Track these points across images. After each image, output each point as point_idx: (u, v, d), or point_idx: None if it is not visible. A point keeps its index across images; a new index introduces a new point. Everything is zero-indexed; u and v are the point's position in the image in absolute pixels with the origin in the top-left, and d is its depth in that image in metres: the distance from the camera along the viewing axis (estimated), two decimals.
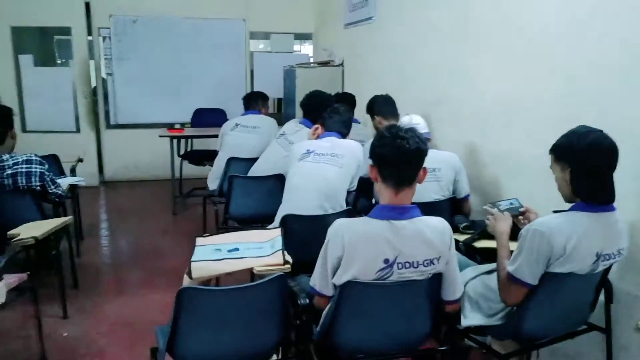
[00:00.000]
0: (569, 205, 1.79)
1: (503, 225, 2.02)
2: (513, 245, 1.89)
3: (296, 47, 6.67)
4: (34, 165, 2.93)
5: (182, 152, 5.56)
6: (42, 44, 6.17)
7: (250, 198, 3.36)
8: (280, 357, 2.01)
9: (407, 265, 1.67)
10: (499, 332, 1.92)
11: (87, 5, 5.87)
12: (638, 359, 2.07)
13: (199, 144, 5.80)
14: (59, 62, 6.23)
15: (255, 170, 3.51)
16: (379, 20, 4.50)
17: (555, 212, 1.80)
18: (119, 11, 5.96)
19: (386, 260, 1.66)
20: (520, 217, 2.12)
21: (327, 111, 3.04)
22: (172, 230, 4.73)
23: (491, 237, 2.28)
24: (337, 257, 1.70)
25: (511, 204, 2.16)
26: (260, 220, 3.28)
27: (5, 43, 5.74)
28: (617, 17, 2.11)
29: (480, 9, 3.03)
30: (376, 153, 1.75)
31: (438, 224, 1.72)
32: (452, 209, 2.70)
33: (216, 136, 4.75)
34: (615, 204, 1.75)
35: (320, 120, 3.02)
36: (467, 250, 2.37)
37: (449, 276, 1.77)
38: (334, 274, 1.72)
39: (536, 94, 2.56)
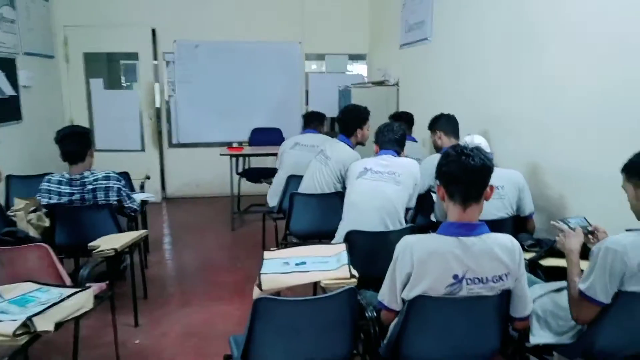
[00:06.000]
0: None
1: (574, 242, 2.00)
2: (582, 264, 1.88)
3: (350, 68, 6.80)
4: (112, 182, 3.12)
5: (240, 170, 5.75)
6: (110, 69, 6.59)
7: (310, 214, 3.45)
8: None
9: (477, 280, 1.70)
10: (569, 350, 1.90)
11: (154, 32, 6.24)
12: None
13: (256, 162, 6.00)
14: (124, 85, 6.62)
15: (303, 188, 3.57)
16: (435, 40, 4.55)
17: (628, 230, 1.77)
18: (183, 37, 6.29)
19: (455, 276, 1.69)
20: (590, 236, 2.09)
21: (380, 129, 3.06)
22: (231, 245, 4.88)
23: (557, 255, 2.28)
24: (406, 274, 1.73)
25: (580, 222, 2.14)
26: (320, 236, 3.38)
27: (78, 68, 6.19)
28: None
29: (541, 19, 3.02)
30: (442, 171, 1.78)
31: (507, 241, 1.73)
32: (515, 227, 2.69)
33: (274, 154, 4.91)
34: None
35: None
36: (531, 269, 2.36)
37: (518, 293, 1.77)
38: (402, 289, 1.76)
39: (609, 108, 2.48)
